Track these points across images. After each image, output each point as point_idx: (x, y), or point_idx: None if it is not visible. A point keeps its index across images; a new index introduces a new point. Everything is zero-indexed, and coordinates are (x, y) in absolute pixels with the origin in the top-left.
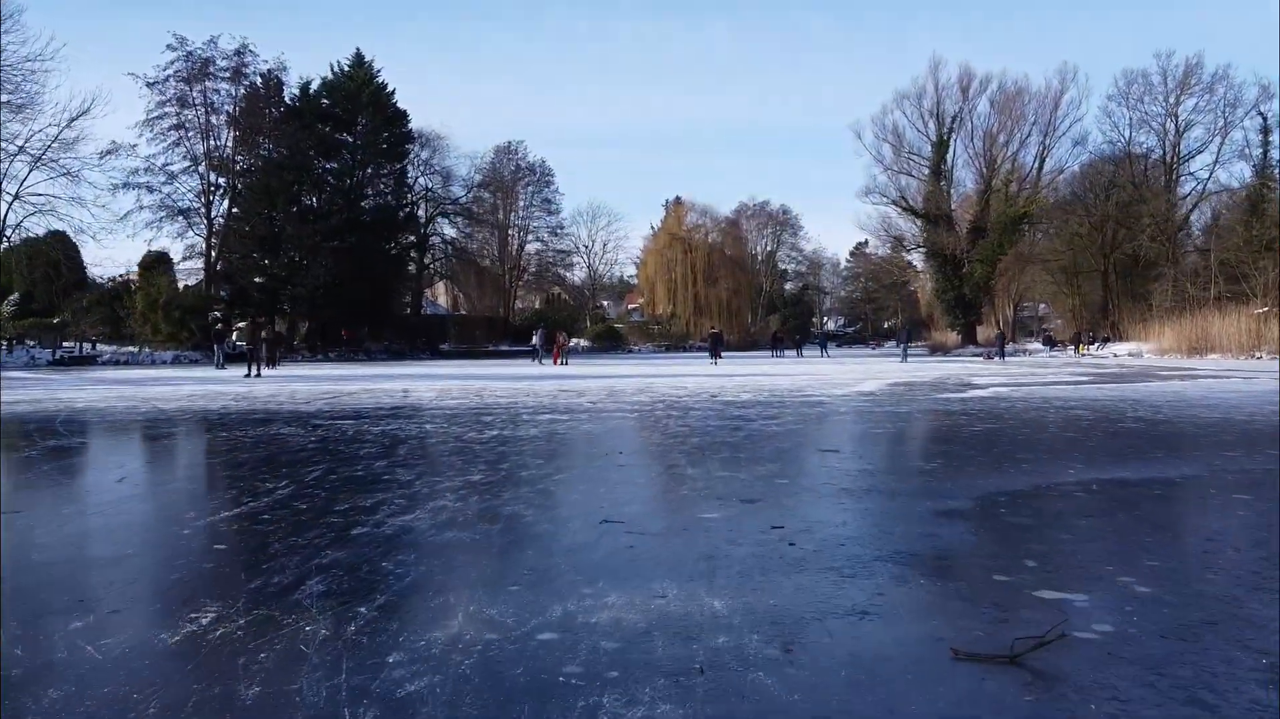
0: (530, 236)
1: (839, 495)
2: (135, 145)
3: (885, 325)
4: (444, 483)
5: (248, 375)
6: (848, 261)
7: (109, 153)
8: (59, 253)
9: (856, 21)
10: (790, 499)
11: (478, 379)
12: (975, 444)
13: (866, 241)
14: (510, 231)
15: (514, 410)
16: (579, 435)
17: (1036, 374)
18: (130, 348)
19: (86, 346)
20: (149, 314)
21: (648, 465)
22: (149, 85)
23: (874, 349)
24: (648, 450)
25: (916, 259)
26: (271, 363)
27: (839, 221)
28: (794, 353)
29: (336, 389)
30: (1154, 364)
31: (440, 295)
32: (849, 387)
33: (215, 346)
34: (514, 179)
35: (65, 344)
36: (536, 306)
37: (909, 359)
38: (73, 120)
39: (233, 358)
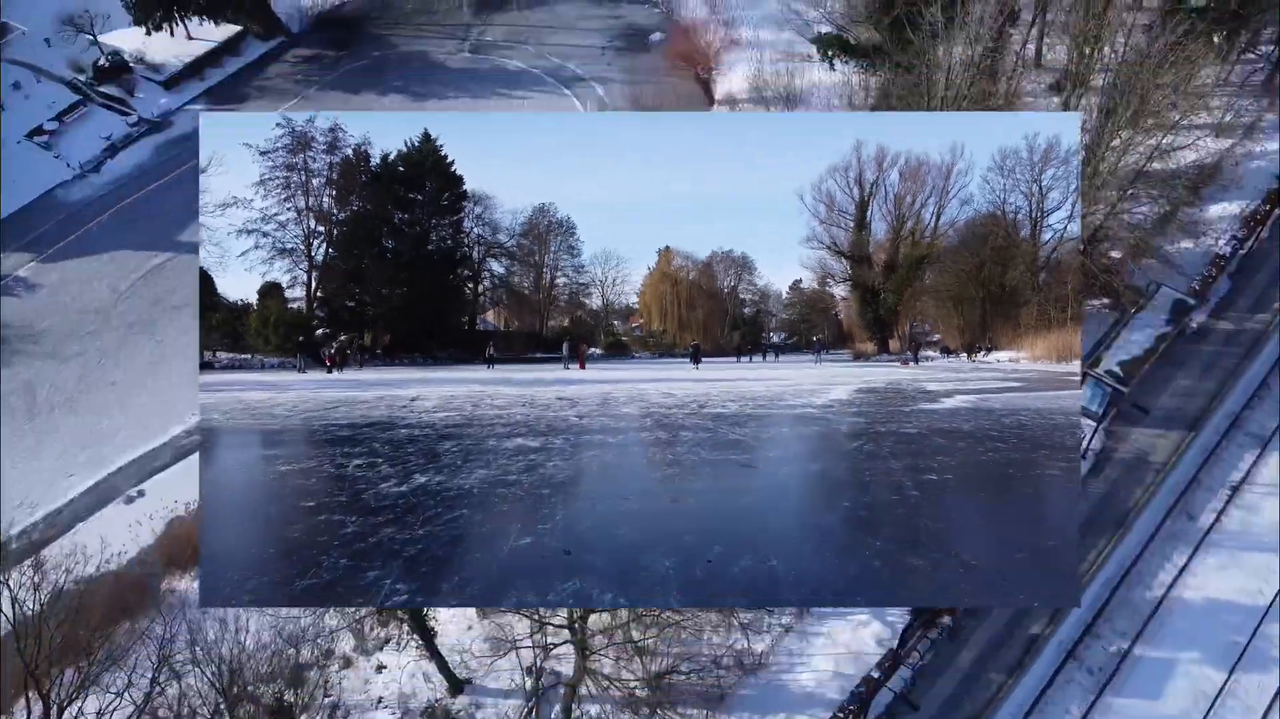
0: (559, 274)
1: None
2: (251, 200)
3: (815, 339)
4: None
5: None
6: (787, 294)
7: (227, 205)
8: None
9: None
10: None
11: (495, 384)
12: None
13: (800, 279)
14: (544, 269)
15: (485, 433)
16: (528, 493)
17: (965, 378)
18: (245, 355)
19: (208, 355)
20: (262, 329)
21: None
22: (262, 154)
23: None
24: (612, 546)
25: (840, 290)
26: (339, 366)
27: (783, 263)
28: (761, 358)
29: (348, 397)
30: (1043, 369)
31: (490, 315)
32: (822, 394)
33: (299, 355)
34: (547, 231)
35: None
36: (565, 324)
37: (822, 363)
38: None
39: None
